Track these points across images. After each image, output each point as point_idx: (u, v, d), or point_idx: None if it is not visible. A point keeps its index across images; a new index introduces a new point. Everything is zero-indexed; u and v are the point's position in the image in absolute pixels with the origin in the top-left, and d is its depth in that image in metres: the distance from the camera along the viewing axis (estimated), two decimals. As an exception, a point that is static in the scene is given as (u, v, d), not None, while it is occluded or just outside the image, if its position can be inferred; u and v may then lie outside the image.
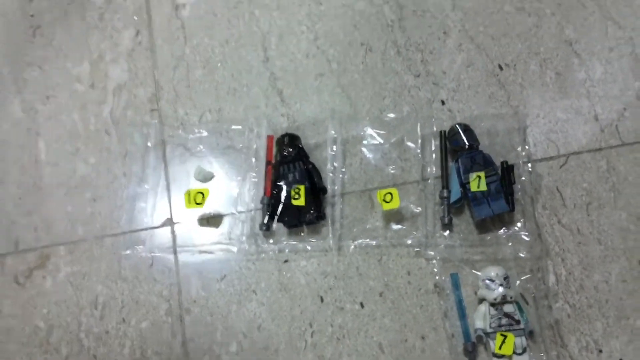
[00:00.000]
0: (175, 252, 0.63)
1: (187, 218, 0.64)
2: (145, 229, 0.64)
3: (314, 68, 0.69)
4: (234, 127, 0.66)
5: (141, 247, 0.63)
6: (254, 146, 0.65)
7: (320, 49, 0.70)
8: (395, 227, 0.63)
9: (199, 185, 0.64)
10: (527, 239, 0.61)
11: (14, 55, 0.70)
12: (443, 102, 0.68)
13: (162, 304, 0.61)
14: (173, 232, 0.64)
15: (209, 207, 0.64)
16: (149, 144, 0.66)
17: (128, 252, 0.63)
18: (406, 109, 0.68)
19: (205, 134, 0.66)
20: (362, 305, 0.61)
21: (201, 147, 0.66)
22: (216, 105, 0.68)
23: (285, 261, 0.63)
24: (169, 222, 0.64)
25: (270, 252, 0.63)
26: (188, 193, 0.60)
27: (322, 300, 0.61)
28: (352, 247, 0.63)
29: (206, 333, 0.61)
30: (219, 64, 0.70)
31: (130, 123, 0.68)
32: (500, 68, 0.69)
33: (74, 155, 0.67)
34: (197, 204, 0.59)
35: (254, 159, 0.65)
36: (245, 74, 0.69)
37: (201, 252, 0.63)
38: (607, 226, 0.62)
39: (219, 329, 0.61)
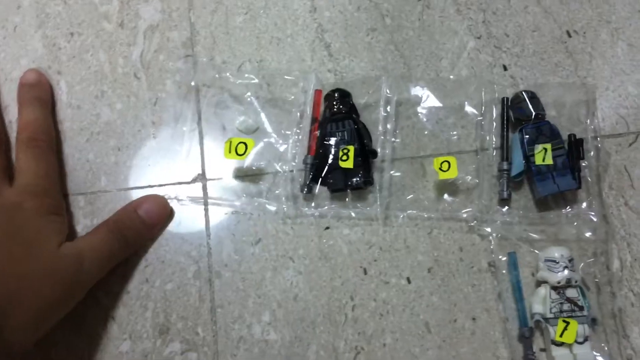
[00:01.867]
0: (206, 210, 0.57)
1: (222, 173, 0.58)
2: (174, 184, 0.58)
3: (366, 22, 0.64)
4: (286, 77, 0.60)
5: (169, 201, 0.57)
6: (301, 100, 0.59)
7: (373, 2, 0.64)
8: (449, 198, 0.58)
9: (240, 137, 0.58)
10: (593, 219, 0.56)
11: (37, -13, 0.64)
12: (505, 68, 0.62)
13: (190, 266, 0.56)
14: (205, 188, 0.58)
15: (249, 161, 0.58)
16: (185, 89, 0.60)
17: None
18: (465, 73, 0.62)
19: (255, 80, 0.60)
20: (408, 280, 0.56)
21: (249, 93, 0.60)
22: (257, 55, 0.62)
23: (327, 228, 0.57)
24: (201, 177, 0.58)
25: (311, 217, 0.57)
26: (230, 141, 0.54)
27: (365, 272, 0.56)
28: (401, 217, 0.57)
29: (237, 300, 0.55)
30: (262, 11, 0.64)
31: (162, 68, 0.62)
32: (569, 35, 0.63)
33: (98, 99, 0.61)
34: (239, 154, 0.54)
35: (298, 114, 0.59)
36: (290, 23, 0.63)
37: (235, 212, 0.57)
38: (677, 211, 0.57)
39: (251, 296, 0.55)
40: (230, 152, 0.54)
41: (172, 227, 0.57)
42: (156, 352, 0.54)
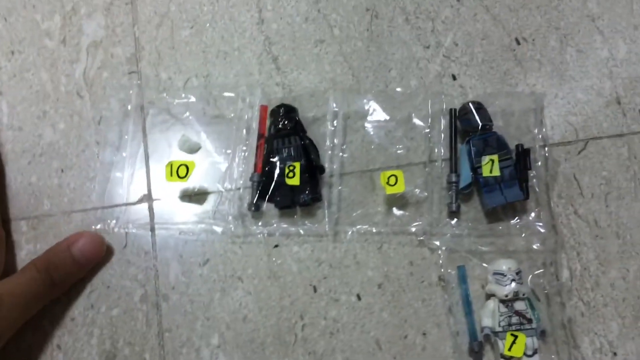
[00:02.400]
0: (152, 232, 0.56)
1: (168, 194, 0.58)
2: (120, 205, 0.57)
3: (313, 33, 0.63)
4: (225, 94, 0.59)
5: (114, 224, 0.56)
6: (245, 117, 0.59)
7: (321, 13, 0.63)
8: (398, 212, 0.57)
9: (184, 157, 0.57)
10: (541, 230, 0.56)
11: (-25, 4, 0.62)
12: (454, 77, 0.62)
13: (136, 290, 0.55)
14: (151, 209, 0.57)
15: (193, 182, 0.57)
16: (129, 107, 0.59)
17: (99, 226, 0.56)
18: (414, 83, 0.62)
19: (193, 99, 0.59)
20: (359, 297, 0.56)
21: (188, 114, 0.59)
22: (204, 70, 0.61)
23: (276, 246, 0.57)
24: (147, 198, 0.57)
25: (259, 235, 0.56)
26: (170, 164, 0.53)
27: (315, 290, 0.56)
28: (350, 233, 0.57)
29: (185, 323, 0.54)
30: (208, 24, 0.63)
31: (106, 85, 0.60)
32: (518, 42, 0.63)
33: (40, 120, 0.59)
34: (180, 177, 0.53)
35: (244, 131, 0.58)
36: (237, 36, 0.62)
37: (182, 232, 0.56)
38: (627, 219, 0.57)
39: (199, 319, 0.54)
40: (171, 175, 0.53)
41: (117, 250, 0.56)
42: (103, 379, 0.53)
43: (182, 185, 0.57)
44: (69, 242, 0.53)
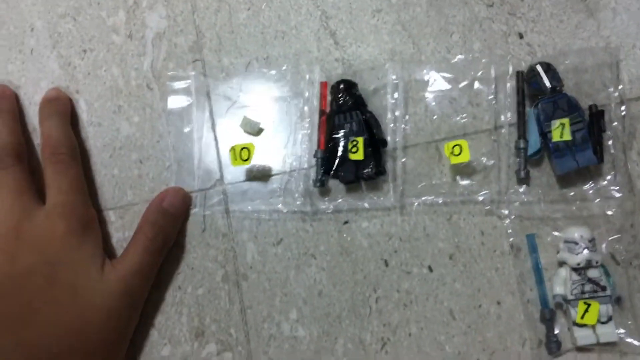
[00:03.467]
0: (228, 215, 0.59)
1: (238, 177, 0.60)
2: (196, 191, 0.60)
3: (370, 3, 0.61)
4: (284, 68, 0.60)
5: (193, 210, 0.59)
6: (306, 94, 0.59)
7: (376, -20, 0.62)
8: (465, 182, 0.57)
9: (247, 139, 0.59)
10: (617, 194, 0.54)
11: (46, 5, 0.65)
12: (521, 36, 0.59)
13: (218, 270, 0.58)
14: (224, 193, 0.60)
15: (258, 162, 0.59)
16: (193, 96, 0.61)
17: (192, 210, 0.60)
18: (477, 46, 0.59)
19: (248, 81, 0.60)
20: (430, 269, 0.56)
21: (242, 95, 0.61)
22: (263, 51, 0.62)
23: (345, 222, 0.58)
24: (220, 182, 0.60)
25: (329, 212, 0.58)
26: (233, 149, 0.55)
27: (386, 264, 0.57)
28: (416, 204, 0.57)
29: (265, 299, 0.57)
30: (264, 5, 0.63)
31: (172, 76, 0.62)
32: (589, -9, 0.59)
33: (116, 114, 0.63)
34: (244, 160, 0.55)
35: (306, 108, 0.59)
36: (293, 14, 0.62)
37: (254, 214, 0.59)
38: None
39: (277, 295, 0.57)
40: (236, 159, 0.55)
41: (197, 234, 0.59)
42: (195, 354, 0.58)
43: (248, 167, 0.58)
44: (159, 199, 0.57)
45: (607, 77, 0.56)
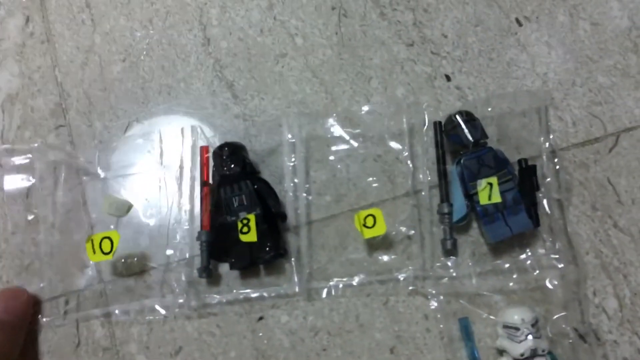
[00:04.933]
0: (110, 322, 0.46)
1: (120, 272, 0.47)
2: (66, 294, 0.47)
3: (272, 47, 0.52)
4: (154, 133, 0.49)
5: (63, 318, 0.46)
6: (184, 162, 0.48)
7: (277, 20, 0.52)
8: (383, 257, 0.47)
9: (106, 228, 0.47)
10: (558, 264, 0.46)
11: None
12: (448, 78, 0.51)
13: (99, 397, 0.45)
14: (104, 294, 0.47)
15: (131, 251, 0.47)
16: (33, 178, 0.49)
17: (45, 320, 0.46)
18: (401, 92, 0.51)
19: (113, 149, 0.49)
20: (368, 368, 0.46)
21: (107, 167, 0.49)
22: (145, 111, 0.51)
23: (261, 318, 0.47)
24: (97, 280, 0.47)
25: (216, 306, 0.46)
26: (90, 240, 0.43)
27: (314, 367, 0.46)
28: (326, 290, 0.47)
29: None
30: (144, 54, 0.52)
31: (29, 149, 0.49)
32: (519, 23, 0.52)
33: (-43, 202, 0.49)
34: (105, 253, 0.43)
35: (184, 180, 0.48)
36: (180, 64, 0.51)
37: (141, 316, 0.46)
38: (679, 225, 0.47)
39: (180, 423, 0.45)
40: (95, 253, 0.43)
41: (68, 351, 0.46)
42: None
43: (111, 261, 0.46)
44: None
45: (536, 125, 0.49)
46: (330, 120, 0.49)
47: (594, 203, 0.48)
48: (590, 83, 0.50)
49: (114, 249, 0.43)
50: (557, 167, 0.48)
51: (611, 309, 0.46)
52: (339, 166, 0.49)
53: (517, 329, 0.43)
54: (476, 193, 0.45)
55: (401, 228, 0.47)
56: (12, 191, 0.48)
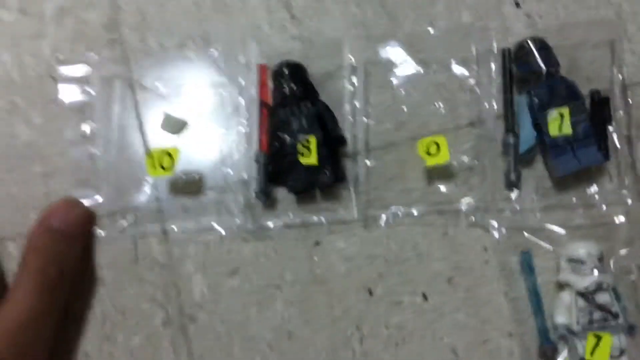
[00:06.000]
0: (167, 240, 0.46)
1: (178, 189, 0.47)
2: (123, 210, 0.46)
3: (334, -35, 0.49)
4: (212, 49, 0.48)
5: (120, 233, 0.46)
6: (242, 82, 0.47)
7: (340, -64, 0.49)
8: (443, 187, 0.46)
9: (165, 143, 0.46)
10: (626, 200, 0.45)
11: None
12: (517, 4, 0.49)
13: (157, 312, 0.46)
14: (161, 211, 0.47)
15: (186, 170, 0.46)
16: (93, 91, 0.47)
17: (102, 234, 0.45)
18: (466, 17, 0.49)
19: (172, 67, 0.47)
20: (425, 297, 0.46)
21: (163, 84, 0.47)
22: (200, 28, 0.49)
23: (317, 243, 0.46)
24: (154, 197, 0.47)
25: (296, 230, 0.46)
26: (150, 155, 0.43)
27: (370, 293, 0.46)
28: (384, 217, 0.46)
29: (219, 346, 0.45)
30: (199, -31, 0.49)
31: (83, 61, 0.48)
32: (597, -52, 0.49)
33: (10, 114, 0.48)
34: (165, 169, 0.43)
35: (242, 100, 0.47)
36: (237, -20, 0.49)
37: (198, 235, 0.46)
38: None
39: (235, 341, 0.45)
40: (155, 168, 0.42)
41: (127, 266, 0.46)
42: None
43: (170, 178, 0.46)
44: (45, 219, 0.42)
45: (608, 58, 0.47)
46: (392, 44, 0.47)
47: (659, 142, 0.46)
48: (666, 15, 0.48)
49: (173, 165, 0.42)
50: (630, 101, 0.46)
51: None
52: (400, 92, 0.47)
53: (583, 262, 0.42)
54: (546, 124, 0.44)
55: (463, 158, 0.46)
56: (67, 103, 0.47)
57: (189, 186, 0.46)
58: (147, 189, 0.46)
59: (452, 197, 0.46)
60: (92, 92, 0.47)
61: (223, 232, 0.46)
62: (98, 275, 0.46)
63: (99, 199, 0.46)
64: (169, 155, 0.42)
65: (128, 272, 0.46)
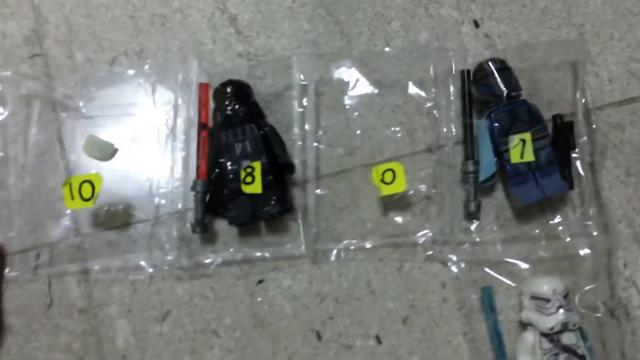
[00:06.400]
0: (87, 281, 0.41)
1: (102, 222, 0.42)
2: (37, 247, 0.41)
3: (282, -22, 0.46)
4: (146, 66, 0.43)
5: (33, 273, 0.41)
6: (180, 101, 0.43)
7: (290, -52, 0.46)
8: (399, 219, 0.42)
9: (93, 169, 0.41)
10: (592, 231, 0.42)
11: None
12: (477, 24, 0.46)
13: (74, 363, 0.40)
14: (82, 247, 0.41)
15: (110, 200, 0.41)
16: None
17: (12, 274, 0.40)
18: (424, 36, 0.46)
19: (96, 84, 0.43)
20: (378, 339, 0.41)
21: (80, 105, 0.43)
22: (135, 42, 0.44)
23: (260, 281, 0.41)
24: (74, 232, 0.41)
25: (210, 267, 0.41)
26: (68, 184, 0.38)
27: (319, 336, 0.41)
28: (335, 252, 0.42)
29: (147, 401, 0.40)
30: (135, -22, 0.45)
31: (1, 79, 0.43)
32: (556, -32, 0.47)
33: None
34: (85, 200, 0.38)
35: (180, 121, 0.43)
36: (176, -8, 0.45)
37: (124, 274, 0.41)
38: None
39: (165, 394, 0.40)
40: (73, 198, 0.37)
41: (39, 312, 0.40)
42: None
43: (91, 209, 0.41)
44: None
45: (571, 80, 0.44)
46: (346, 64, 0.44)
47: (628, 168, 0.44)
48: (629, 37, 0.46)
49: (95, 195, 0.38)
50: (593, 126, 0.43)
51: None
52: (353, 115, 0.44)
53: (548, 300, 0.39)
54: (507, 150, 0.41)
55: (420, 187, 0.43)
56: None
57: (115, 218, 0.41)
58: (66, 222, 0.41)
59: (408, 229, 0.42)
60: (5, 112, 0.42)
61: (152, 271, 0.40)
62: (5, 322, 0.40)
63: (10, 233, 0.40)
64: (90, 183, 0.37)
65: (41, 318, 0.41)
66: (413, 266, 0.42)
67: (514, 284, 0.42)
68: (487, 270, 0.42)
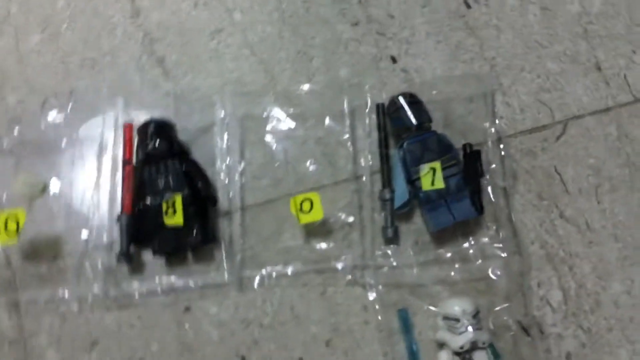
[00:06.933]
0: (17, 311, 0.42)
1: (32, 256, 0.43)
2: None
3: (207, 21, 0.48)
4: (70, 105, 0.46)
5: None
6: (105, 139, 0.45)
7: (214, -7, 0.49)
8: (322, 245, 0.44)
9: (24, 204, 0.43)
10: (502, 253, 0.44)
11: None
12: (394, 60, 0.49)
13: (2, 397, 0.41)
14: (12, 280, 0.42)
15: (44, 234, 0.43)
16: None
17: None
18: (344, 73, 0.48)
19: (26, 124, 0.45)
20: (302, 363, 0.43)
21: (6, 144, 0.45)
22: (65, 85, 0.46)
23: (187, 309, 0.43)
24: (4, 264, 0.43)
25: (137, 296, 0.43)
26: None
27: (244, 362, 0.43)
28: (258, 278, 0.43)
29: None
30: (65, 25, 0.47)
31: None
32: (468, 5, 0.50)
33: None
34: (10, 235, 0.39)
35: (106, 158, 0.45)
36: (106, 37, 0.48)
37: (53, 305, 0.42)
38: (624, 215, 0.46)
39: None
40: None
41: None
42: None
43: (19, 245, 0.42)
44: None
45: (483, 110, 0.47)
46: (268, 100, 0.46)
47: (540, 192, 0.46)
48: (539, 69, 0.49)
49: (20, 228, 0.39)
50: (503, 153, 0.46)
51: (555, 302, 0.44)
52: (276, 148, 0.46)
53: (457, 320, 0.41)
54: (419, 178, 0.43)
55: (340, 215, 0.45)
56: None
57: (45, 251, 0.43)
58: (-5, 257, 0.42)
59: (330, 255, 0.44)
60: None
61: (80, 301, 0.42)
62: None
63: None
64: (14, 219, 0.39)
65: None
66: (336, 290, 0.44)
67: (431, 306, 0.44)
68: (404, 293, 0.43)
